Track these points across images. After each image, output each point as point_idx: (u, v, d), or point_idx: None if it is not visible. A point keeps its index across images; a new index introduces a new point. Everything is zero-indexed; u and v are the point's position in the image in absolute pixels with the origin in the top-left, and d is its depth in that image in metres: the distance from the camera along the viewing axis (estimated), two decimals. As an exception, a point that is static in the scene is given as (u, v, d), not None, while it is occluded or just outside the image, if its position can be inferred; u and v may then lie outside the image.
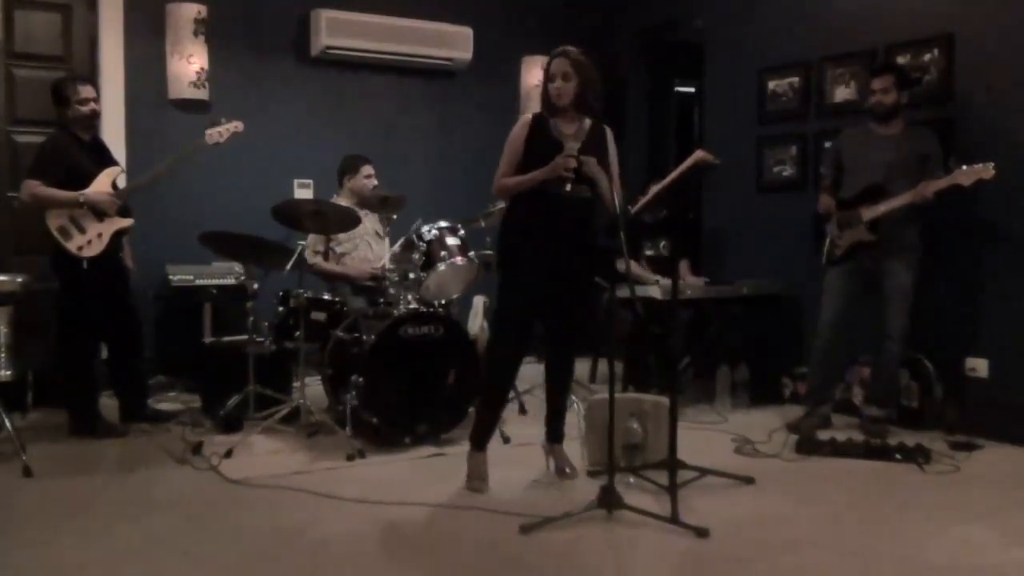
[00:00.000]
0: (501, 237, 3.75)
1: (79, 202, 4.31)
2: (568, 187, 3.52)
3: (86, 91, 4.44)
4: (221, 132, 4.56)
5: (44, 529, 3.23)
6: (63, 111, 4.42)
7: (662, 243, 5.68)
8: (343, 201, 5.00)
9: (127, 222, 4.50)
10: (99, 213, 4.37)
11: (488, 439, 3.80)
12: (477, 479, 3.70)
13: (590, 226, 3.71)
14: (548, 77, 3.62)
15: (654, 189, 5.26)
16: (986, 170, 4.14)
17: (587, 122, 3.69)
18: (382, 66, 6.24)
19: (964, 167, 4.19)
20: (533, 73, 6.53)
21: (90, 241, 4.36)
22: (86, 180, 4.37)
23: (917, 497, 3.67)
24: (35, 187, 4.28)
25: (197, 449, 4.10)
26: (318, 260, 4.95)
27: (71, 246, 4.31)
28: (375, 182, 5.18)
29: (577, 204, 3.60)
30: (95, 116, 4.55)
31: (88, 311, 4.44)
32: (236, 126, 4.61)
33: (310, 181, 6.01)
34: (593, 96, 3.62)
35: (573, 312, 3.79)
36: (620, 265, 3.67)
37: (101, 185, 4.41)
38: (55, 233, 4.29)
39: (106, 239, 4.40)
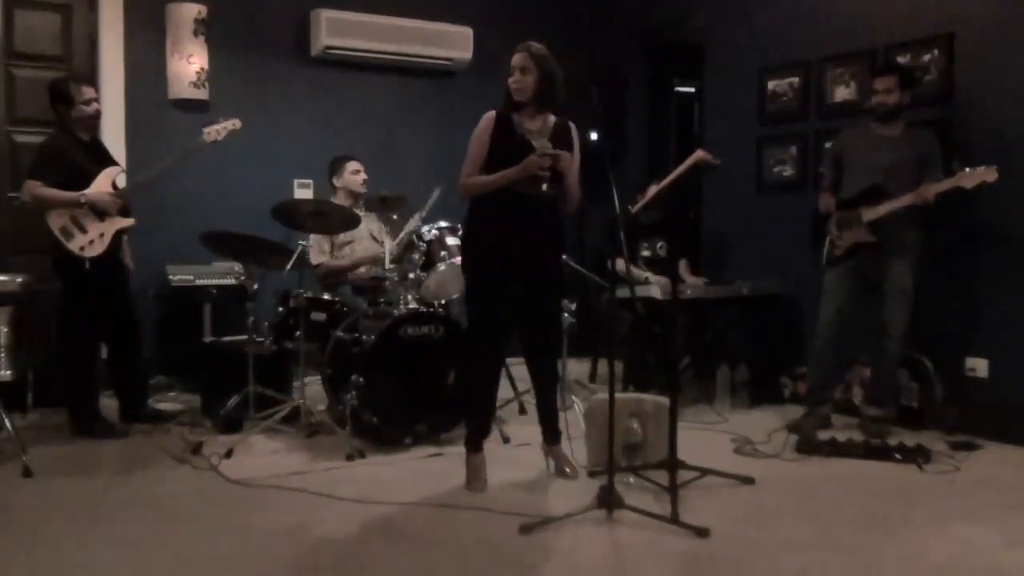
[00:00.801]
0: (469, 239, 3.71)
1: (80, 203, 4.30)
2: (545, 187, 3.52)
3: (89, 91, 4.45)
4: (219, 130, 4.56)
5: (44, 529, 3.23)
6: (66, 111, 4.41)
7: (659, 244, 5.68)
8: (338, 203, 5.00)
9: (128, 222, 4.50)
10: (100, 213, 4.37)
11: (482, 440, 3.79)
12: (476, 480, 3.71)
13: (561, 224, 3.71)
14: (510, 71, 3.60)
15: (653, 189, 5.28)
16: (989, 173, 4.13)
17: (551, 119, 3.68)
18: (382, 66, 6.23)
19: (967, 169, 4.18)
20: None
21: (92, 241, 4.36)
22: (86, 180, 4.37)
23: (917, 497, 3.67)
24: (36, 188, 4.28)
25: (197, 449, 4.10)
26: (324, 259, 4.95)
27: (73, 246, 4.31)
28: (364, 176, 5.17)
29: (549, 203, 3.60)
30: (98, 116, 4.58)
31: (90, 311, 4.44)
32: (234, 124, 4.60)
33: (310, 181, 6.01)
34: (555, 93, 3.61)
35: (549, 312, 3.80)
36: (619, 266, 3.68)
37: (101, 185, 4.41)
38: (57, 234, 4.29)
39: (108, 239, 4.40)
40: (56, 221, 4.30)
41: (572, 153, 3.66)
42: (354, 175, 5.16)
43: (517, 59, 3.58)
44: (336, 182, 5.19)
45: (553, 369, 3.96)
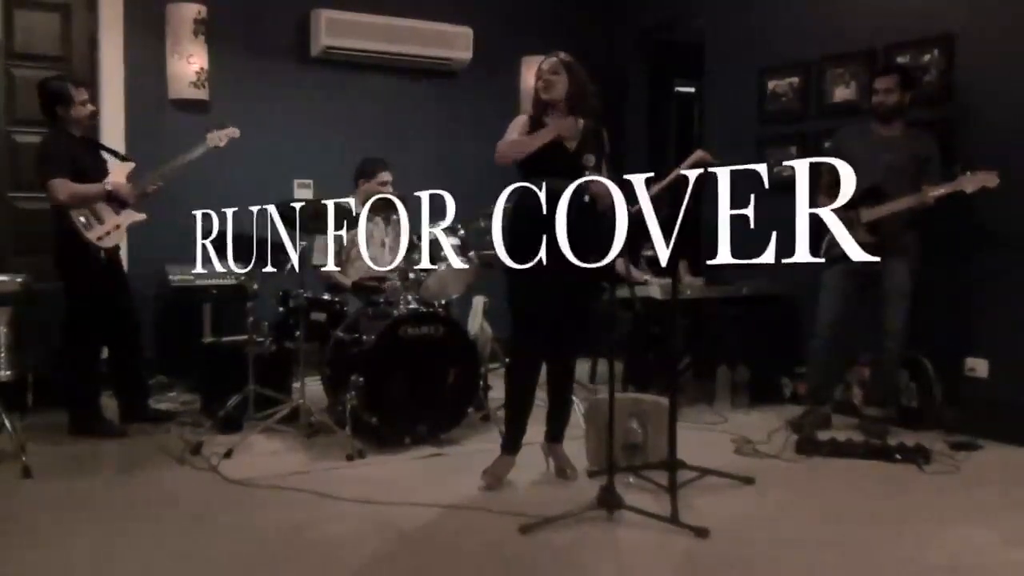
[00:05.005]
0: (512, 241, 3.70)
1: (107, 190, 4.35)
2: (586, 198, 3.55)
3: (83, 92, 4.48)
4: (222, 136, 4.67)
5: (44, 529, 3.23)
6: (65, 111, 4.41)
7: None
8: (353, 203, 4.95)
9: (141, 216, 4.53)
10: (119, 203, 4.40)
11: (514, 443, 3.78)
12: (491, 476, 3.71)
13: (599, 226, 3.71)
14: (538, 75, 3.66)
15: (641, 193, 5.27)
16: (990, 178, 4.14)
17: (581, 122, 3.70)
18: (382, 66, 6.23)
19: (968, 173, 4.18)
20: (533, 73, 6.51)
21: (109, 232, 4.40)
22: (87, 177, 4.38)
23: (917, 497, 3.67)
24: (68, 185, 4.27)
25: (197, 449, 4.10)
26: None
27: (91, 236, 4.33)
28: (390, 189, 5.14)
29: (589, 207, 3.62)
30: (94, 115, 4.62)
31: (95, 310, 4.44)
32: (234, 131, 4.71)
33: (310, 181, 6.01)
34: (586, 100, 3.64)
35: (582, 313, 3.79)
36: (619, 267, 3.68)
37: (117, 176, 4.44)
38: (78, 223, 4.30)
39: (123, 231, 4.46)
40: (77, 211, 4.32)
41: (604, 156, 3.66)
42: (382, 185, 5.11)
43: (546, 64, 3.65)
44: (362, 184, 5.14)
45: (573, 370, 3.95)
